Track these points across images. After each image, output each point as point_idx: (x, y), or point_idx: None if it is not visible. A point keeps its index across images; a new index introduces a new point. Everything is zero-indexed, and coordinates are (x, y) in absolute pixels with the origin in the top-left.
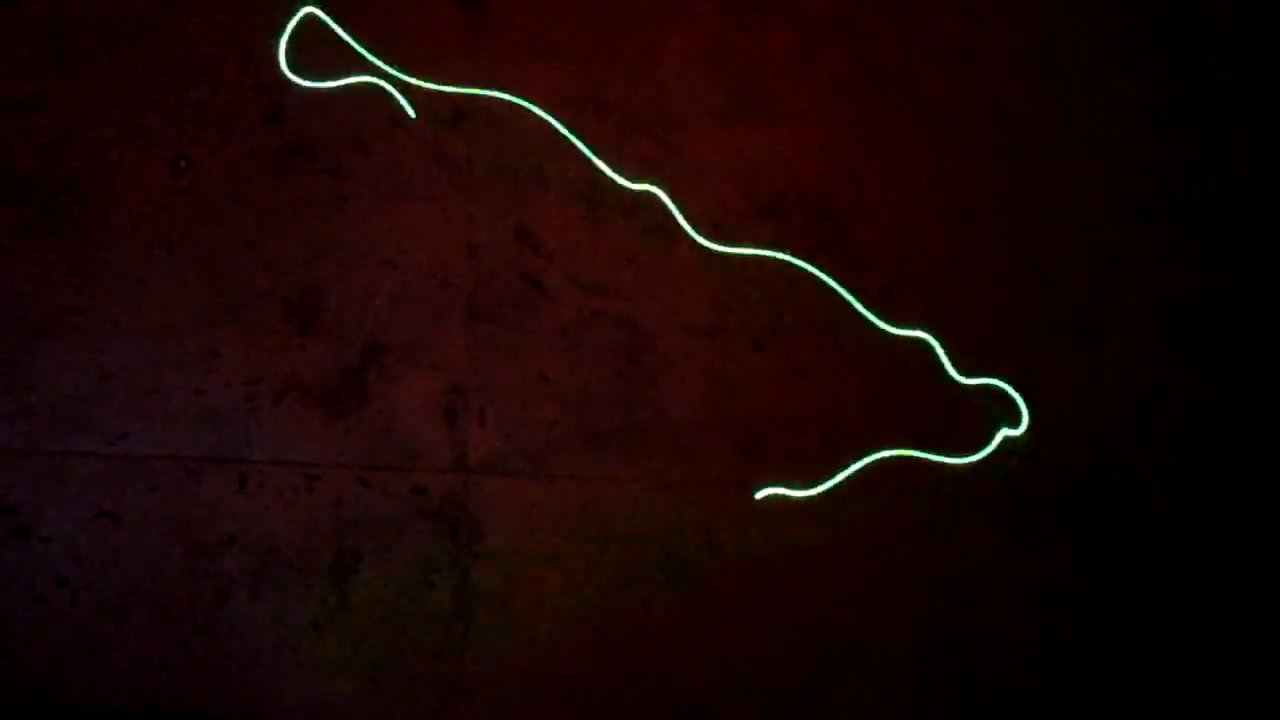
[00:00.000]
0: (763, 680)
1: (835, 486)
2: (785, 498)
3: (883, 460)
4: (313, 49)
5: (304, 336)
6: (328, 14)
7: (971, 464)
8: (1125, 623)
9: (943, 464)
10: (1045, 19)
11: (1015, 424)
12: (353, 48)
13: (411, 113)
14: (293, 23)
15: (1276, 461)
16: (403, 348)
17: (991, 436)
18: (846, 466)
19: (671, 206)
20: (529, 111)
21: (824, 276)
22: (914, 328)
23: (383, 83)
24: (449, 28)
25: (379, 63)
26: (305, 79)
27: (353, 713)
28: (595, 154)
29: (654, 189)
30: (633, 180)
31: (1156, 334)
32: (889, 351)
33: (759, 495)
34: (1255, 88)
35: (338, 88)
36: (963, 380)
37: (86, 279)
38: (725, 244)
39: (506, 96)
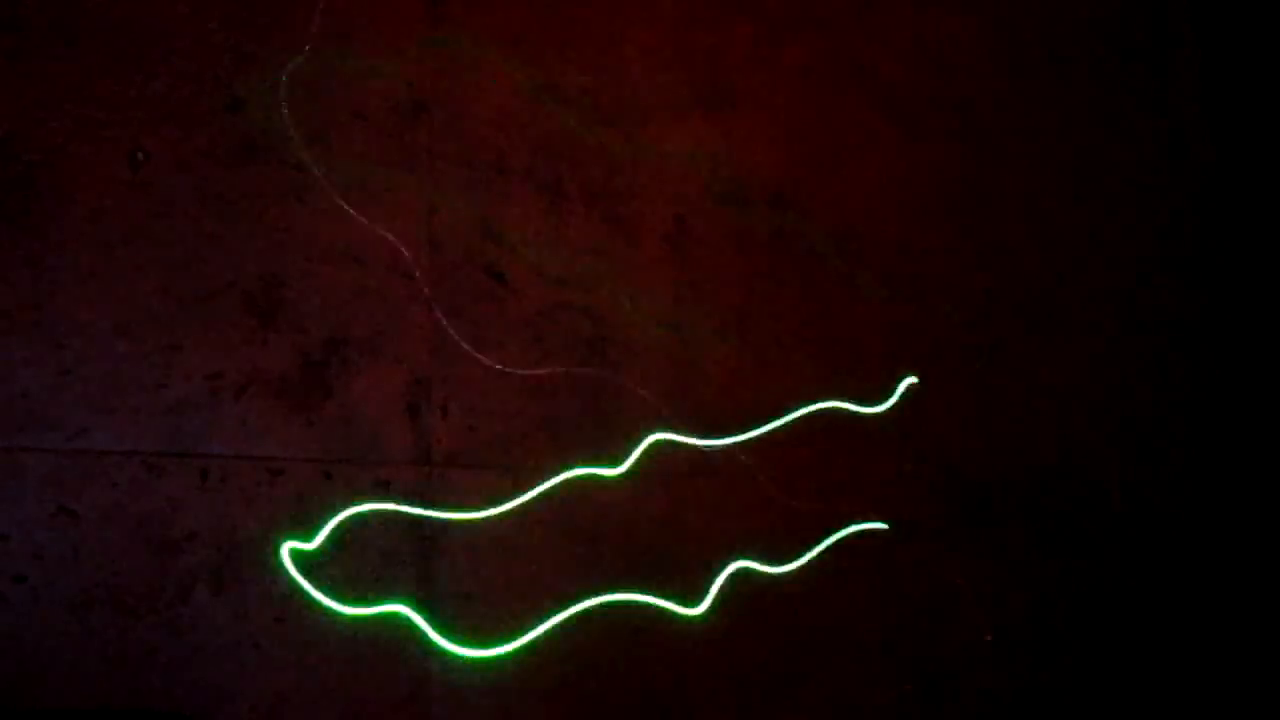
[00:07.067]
0: (730, 673)
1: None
2: None
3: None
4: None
5: (265, 330)
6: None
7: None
8: (1088, 616)
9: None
10: (1002, 10)
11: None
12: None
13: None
14: None
15: (1235, 456)
16: (365, 341)
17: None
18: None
19: None
20: (491, 103)
21: None
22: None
23: None
24: (410, 14)
25: None
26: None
27: (315, 709)
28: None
29: None
30: None
31: (1115, 329)
32: None
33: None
34: (1209, 80)
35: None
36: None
37: (44, 273)
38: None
39: None
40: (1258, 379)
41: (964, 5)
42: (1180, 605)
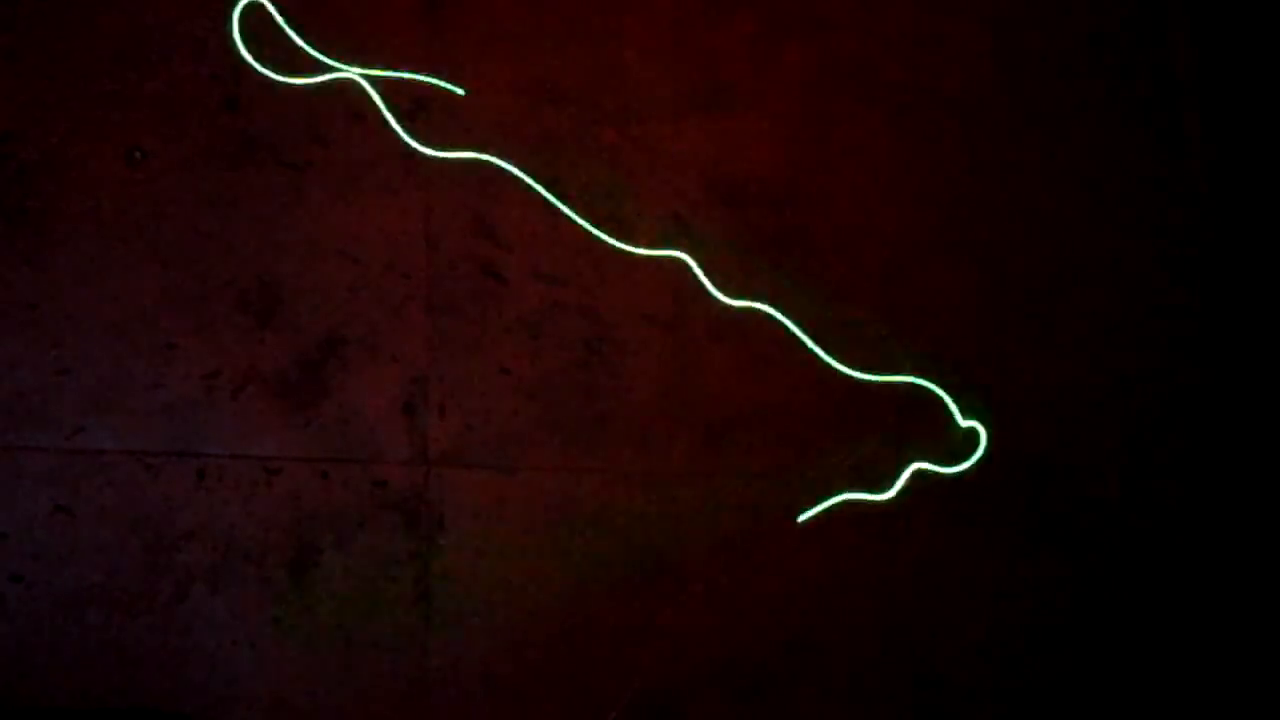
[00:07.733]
0: (727, 669)
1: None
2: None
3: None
4: (273, 41)
5: (262, 329)
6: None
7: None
8: (1083, 610)
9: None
10: (1003, 10)
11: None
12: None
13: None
14: (237, 12)
15: (1233, 448)
16: (362, 340)
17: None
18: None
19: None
20: (486, 103)
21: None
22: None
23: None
24: (406, 13)
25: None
26: (273, 72)
27: (314, 707)
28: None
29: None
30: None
31: (1113, 322)
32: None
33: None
34: (1209, 81)
35: (312, 84)
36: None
37: (41, 272)
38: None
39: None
40: (1258, 374)
41: (964, 5)
42: (1180, 601)
